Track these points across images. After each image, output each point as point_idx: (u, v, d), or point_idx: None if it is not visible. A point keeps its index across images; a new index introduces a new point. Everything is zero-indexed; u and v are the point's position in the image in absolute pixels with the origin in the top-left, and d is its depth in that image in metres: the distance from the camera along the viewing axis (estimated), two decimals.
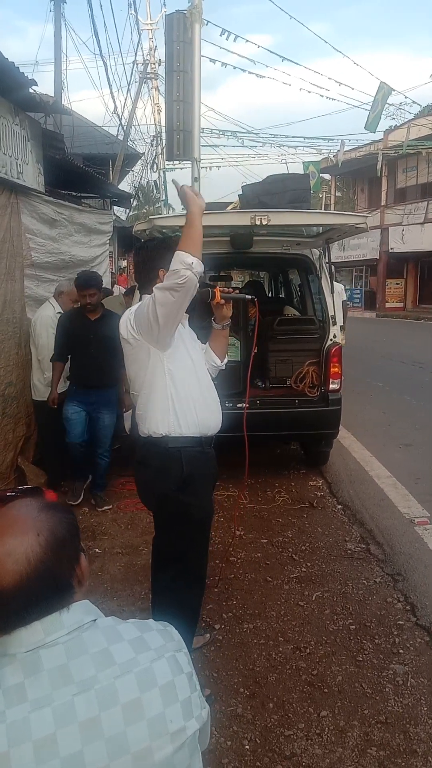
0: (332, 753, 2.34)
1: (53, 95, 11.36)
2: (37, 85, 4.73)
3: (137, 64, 18.73)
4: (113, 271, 12.38)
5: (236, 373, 5.15)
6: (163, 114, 14.85)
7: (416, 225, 26.53)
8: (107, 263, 8.01)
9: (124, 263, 19.99)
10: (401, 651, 2.98)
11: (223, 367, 2.80)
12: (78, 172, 7.11)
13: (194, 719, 1.00)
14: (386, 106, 16.71)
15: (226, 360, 2.81)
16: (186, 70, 9.39)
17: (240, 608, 3.37)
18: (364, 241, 28.74)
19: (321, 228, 5.18)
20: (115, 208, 12.77)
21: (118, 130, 15.95)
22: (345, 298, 10.32)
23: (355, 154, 26.12)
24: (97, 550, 4.09)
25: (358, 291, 31.72)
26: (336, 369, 5.19)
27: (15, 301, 4.86)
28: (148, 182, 27.80)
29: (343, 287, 10.82)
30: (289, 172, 17.77)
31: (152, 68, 20.60)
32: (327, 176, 32.30)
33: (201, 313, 2.77)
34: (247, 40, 12.11)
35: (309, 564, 3.89)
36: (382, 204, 29.19)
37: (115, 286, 8.18)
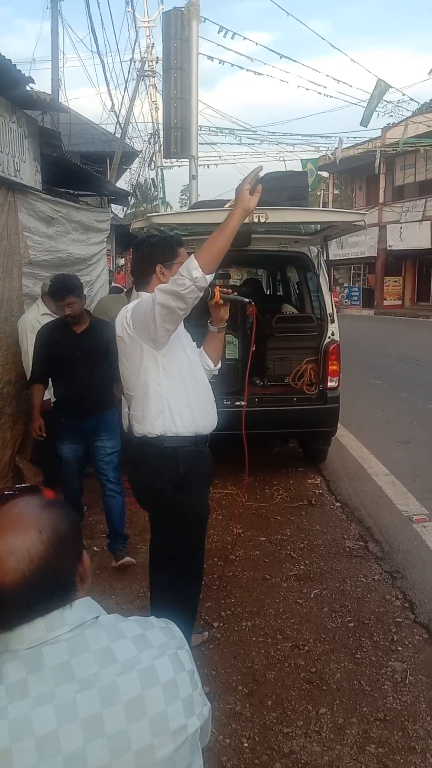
0: (331, 750, 2.34)
1: (50, 93, 11.30)
2: (34, 83, 4.72)
3: (135, 62, 18.72)
4: (111, 269, 12.37)
5: (234, 371, 5.15)
6: (160, 112, 14.85)
7: (414, 222, 26.55)
8: (105, 261, 8.00)
9: (122, 261, 19.96)
10: (400, 648, 2.98)
11: (217, 372, 2.75)
12: (75, 169, 7.10)
13: (196, 717, 1.00)
14: (384, 103, 16.67)
15: (219, 365, 2.75)
16: (183, 68, 9.40)
17: (239, 606, 3.37)
18: (362, 238, 28.74)
19: (319, 225, 5.18)
20: (112, 206, 12.76)
21: (115, 128, 15.94)
22: None
23: (353, 152, 26.11)
24: (95, 548, 4.09)
25: (356, 289, 31.74)
26: (334, 367, 5.20)
27: (13, 299, 4.85)
28: (145, 180, 27.76)
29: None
30: (287, 169, 17.76)
31: (150, 66, 20.53)
32: (325, 174, 32.30)
33: (198, 312, 2.75)
34: (244, 38, 12.13)
35: (307, 562, 3.89)
36: (380, 201, 29.20)
37: (113, 284, 8.18)
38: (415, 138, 22.93)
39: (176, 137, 9.73)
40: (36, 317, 4.61)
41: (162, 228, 4.66)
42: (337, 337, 5.27)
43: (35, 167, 5.17)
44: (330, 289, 5.45)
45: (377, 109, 16.33)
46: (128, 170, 20.22)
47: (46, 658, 0.95)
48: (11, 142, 4.60)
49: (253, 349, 3.46)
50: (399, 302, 29.63)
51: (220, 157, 24.37)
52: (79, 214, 6.65)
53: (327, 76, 31.41)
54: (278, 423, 5.24)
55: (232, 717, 2.53)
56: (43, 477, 4.92)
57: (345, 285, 32.95)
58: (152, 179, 25.32)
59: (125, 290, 6.65)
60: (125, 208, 20.13)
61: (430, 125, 22.39)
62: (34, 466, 5.02)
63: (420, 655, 2.93)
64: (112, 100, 36.55)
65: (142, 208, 31.45)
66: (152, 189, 28.53)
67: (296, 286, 7.26)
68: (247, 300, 2.83)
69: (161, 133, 15.12)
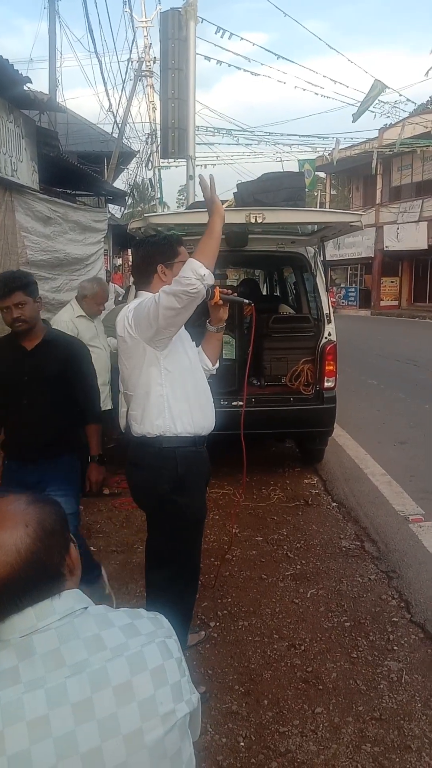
0: (327, 749, 2.35)
1: (48, 93, 11.31)
2: (31, 83, 4.72)
3: (132, 62, 18.72)
4: (108, 269, 12.36)
5: (231, 371, 5.16)
6: (158, 112, 14.85)
7: (411, 223, 26.58)
8: (102, 261, 8.01)
9: (119, 261, 19.95)
10: (395, 648, 2.99)
11: (215, 372, 2.76)
12: (73, 169, 7.10)
13: (184, 703, 1.03)
14: (381, 104, 16.70)
15: (217, 365, 2.77)
16: (181, 68, 9.41)
17: (235, 606, 3.38)
18: (359, 239, 28.78)
19: (316, 226, 5.19)
20: (109, 206, 12.76)
21: (113, 128, 15.92)
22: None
23: (350, 153, 26.13)
24: (92, 548, 4.08)
25: (353, 289, 31.78)
26: (331, 367, 5.21)
27: None
28: (143, 180, 27.76)
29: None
30: (285, 170, 17.79)
31: (147, 66, 20.55)
32: (322, 174, 32.32)
33: (197, 313, 2.76)
34: (242, 38, 12.04)
35: (304, 561, 3.90)
36: (377, 202, 29.23)
37: (110, 284, 8.17)
38: (411, 139, 22.97)
39: (173, 137, 9.73)
40: (71, 318, 4.51)
41: (159, 228, 4.66)
42: (333, 338, 5.28)
43: (32, 167, 5.17)
44: (327, 290, 5.46)
45: (375, 109, 16.36)
46: (125, 170, 20.21)
47: (37, 646, 0.98)
48: (8, 141, 4.60)
49: (251, 349, 3.46)
50: (396, 303, 29.67)
51: (217, 157, 24.38)
52: (77, 214, 6.66)
53: (324, 76, 31.31)
54: (275, 423, 5.25)
55: (228, 716, 2.53)
56: None
57: (342, 285, 32.98)
58: (149, 179, 25.35)
59: (124, 289, 6.62)
60: (122, 208, 20.11)
61: (427, 126, 22.42)
62: None
63: (416, 655, 2.94)
64: (109, 100, 36.70)
65: (140, 208, 31.40)
66: (149, 189, 28.51)
67: (293, 287, 7.26)
68: (247, 301, 2.85)
69: (158, 133, 15.11)
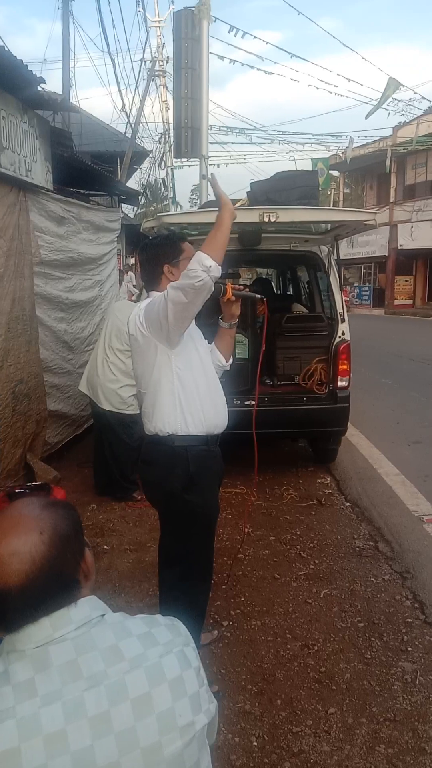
0: (340, 750, 2.34)
1: (61, 93, 11.36)
2: (45, 83, 4.73)
3: (145, 62, 18.70)
4: (121, 269, 12.39)
5: (245, 371, 5.15)
6: (171, 111, 14.85)
7: (425, 222, 26.41)
8: (115, 261, 8.02)
9: (132, 261, 20.01)
10: (410, 649, 2.97)
11: (228, 368, 2.77)
12: (86, 169, 7.11)
13: (203, 713, 1.01)
14: (395, 102, 16.63)
15: (231, 360, 2.77)
16: (194, 68, 9.41)
17: (248, 605, 3.37)
18: (373, 238, 28.63)
19: (329, 225, 5.16)
20: (123, 205, 12.78)
21: (126, 128, 15.94)
22: None
23: (363, 151, 26.04)
24: (105, 546, 4.10)
25: (366, 288, 31.63)
26: (344, 366, 5.18)
27: (25, 298, 4.88)
28: (156, 180, 27.78)
29: None
30: (298, 168, 17.72)
31: (160, 65, 20.57)
32: (335, 173, 32.20)
33: (209, 310, 2.75)
34: (255, 37, 12.02)
35: (317, 561, 3.88)
36: (391, 201, 29.07)
37: (123, 282, 8.19)
38: (426, 137, 22.82)
39: (186, 137, 9.74)
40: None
41: (172, 227, 4.66)
42: (347, 337, 5.26)
43: (46, 167, 5.19)
44: (340, 289, 5.43)
45: (389, 107, 16.30)
46: (139, 170, 20.24)
47: (53, 657, 0.95)
48: (23, 142, 4.62)
49: (263, 348, 3.46)
50: (410, 302, 29.49)
51: (230, 156, 24.33)
52: (90, 213, 6.67)
53: (338, 74, 31.47)
54: (288, 423, 5.24)
55: (241, 716, 2.53)
56: (54, 475, 4.95)
57: (355, 284, 32.84)
58: (162, 179, 25.35)
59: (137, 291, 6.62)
60: (136, 208, 20.18)
61: None
62: (45, 464, 5.05)
63: (430, 656, 2.92)
64: (122, 99, 36.62)
65: (153, 208, 31.46)
66: (162, 189, 28.56)
67: (306, 286, 7.24)
68: (260, 296, 2.84)
69: (172, 132, 15.13)
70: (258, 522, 4.49)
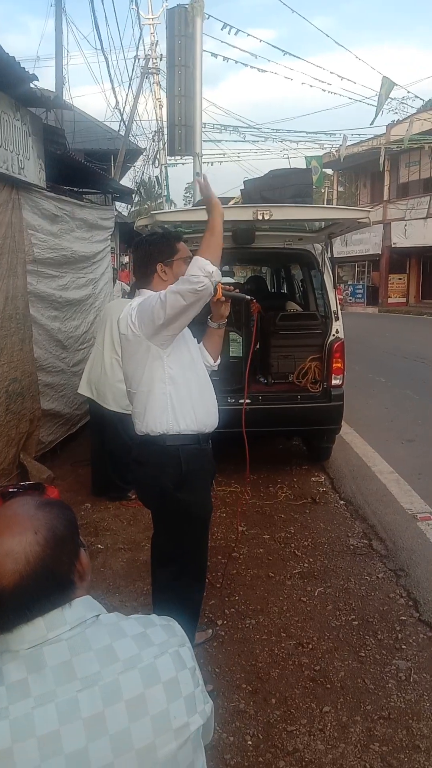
0: (335, 749, 2.34)
1: (54, 90, 11.31)
2: (38, 80, 4.71)
3: (138, 59, 18.63)
4: (115, 267, 12.35)
5: (239, 369, 5.15)
6: (164, 109, 14.82)
7: (419, 220, 26.46)
8: (109, 259, 8.00)
9: (126, 259, 19.96)
10: (404, 647, 2.98)
11: (216, 368, 2.75)
12: (79, 167, 7.08)
13: (198, 715, 1.00)
14: (389, 100, 16.60)
15: (219, 360, 2.76)
16: (187, 65, 9.39)
17: (242, 604, 3.37)
18: (367, 236, 28.67)
19: (323, 223, 5.17)
20: (116, 203, 12.74)
21: (119, 126, 15.89)
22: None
23: (357, 149, 26.03)
24: (99, 546, 4.09)
25: (360, 286, 31.68)
26: (338, 364, 5.19)
27: (18, 297, 4.85)
28: (149, 178, 27.75)
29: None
30: (291, 166, 17.70)
31: (154, 63, 20.50)
32: (329, 171, 32.22)
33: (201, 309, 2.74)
34: (248, 35, 11.96)
35: (311, 560, 3.89)
36: (385, 199, 29.11)
37: (117, 282, 8.16)
38: (419, 135, 22.85)
39: (180, 135, 9.73)
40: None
41: (166, 225, 4.65)
42: (341, 335, 5.26)
43: (39, 165, 5.17)
44: (334, 287, 5.44)
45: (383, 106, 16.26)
46: (132, 168, 20.19)
47: (47, 658, 0.95)
48: (15, 139, 4.60)
49: (257, 347, 3.45)
50: (404, 300, 29.56)
51: (224, 154, 24.26)
52: (84, 211, 6.65)
53: (331, 73, 31.37)
54: (282, 421, 5.24)
55: (235, 715, 2.53)
56: (48, 474, 4.93)
57: (349, 282, 32.88)
58: (156, 177, 25.33)
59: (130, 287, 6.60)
60: (129, 206, 20.10)
61: None
62: (38, 464, 5.03)
63: (424, 654, 2.92)
64: (116, 97, 36.62)
65: (147, 206, 31.38)
66: (156, 187, 28.51)
67: (300, 284, 7.25)
68: (249, 297, 2.82)
69: (165, 130, 15.08)
70: (252, 520, 4.49)
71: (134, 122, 15.92)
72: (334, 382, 5.19)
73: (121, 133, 14.98)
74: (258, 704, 2.59)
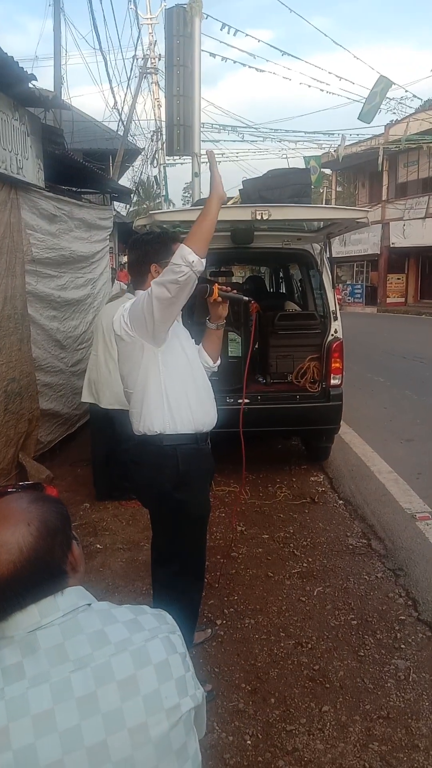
0: (334, 748, 2.34)
1: (53, 90, 11.28)
2: (36, 80, 4.69)
3: (137, 59, 18.59)
4: (114, 267, 12.33)
5: (238, 369, 5.14)
6: (163, 109, 14.80)
7: (417, 220, 26.48)
8: (108, 259, 7.99)
9: (125, 259, 19.94)
10: (403, 646, 2.98)
11: (216, 369, 2.75)
12: (78, 167, 7.07)
13: (189, 697, 1.03)
14: (387, 100, 16.59)
15: (219, 362, 2.76)
16: (186, 65, 9.37)
17: (241, 604, 3.37)
18: (365, 236, 28.68)
19: (322, 222, 5.17)
20: (115, 203, 12.73)
21: (118, 126, 15.87)
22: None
23: (356, 149, 26.06)
24: (98, 546, 4.09)
25: (359, 286, 31.69)
26: (337, 364, 5.19)
27: (16, 297, 4.85)
28: (148, 177, 27.70)
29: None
30: (290, 166, 17.71)
31: (152, 63, 20.49)
32: (328, 171, 32.20)
33: (199, 310, 2.74)
34: (247, 35, 11.95)
35: (310, 559, 3.89)
36: (383, 199, 29.12)
37: (116, 282, 8.17)
38: (418, 135, 22.88)
39: (179, 134, 9.70)
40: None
41: (165, 225, 4.65)
42: (340, 335, 5.27)
43: (38, 165, 5.16)
44: (333, 287, 5.44)
45: (381, 105, 16.24)
46: (131, 168, 20.19)
47: (41, 641, 0.99)
48: (14, 139, 4.60)
49: (256, 346, 3.45)
50: (402, 300, 29.57)
51: (222, 154, 24.29)
52: (82, 211, 6.65)
53: (329, 73, 31.41)
54: (281, 420, 5.24)
55: (235, 714, 2.53)
56: (47, 474, 4.93)
57: (348, 282, 32.89)
58: (155, 177, 25.30)
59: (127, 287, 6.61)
60: (128, 206, 20.11)
61: None
62: (37, 464, 5.03)
63: (423, 653, 2.93)
64: (114, 97, 36.58)
65: (145, 206, 31.38)
66: (155, 186, 28.49)
67: (299, 284, 7.25)
68: (247, 298, 2.81)
69: (164, 130, 15.08)
70: (251, 520, 4.49)
71: (133, 122, 15.91)
72: (333, 381, 5.19)
73: (119, 132, 14.97)
74: (257, 704, 2.59)
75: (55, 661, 0.96)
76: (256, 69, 14.03)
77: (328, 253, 5.49)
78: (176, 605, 2.42)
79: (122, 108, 16.42)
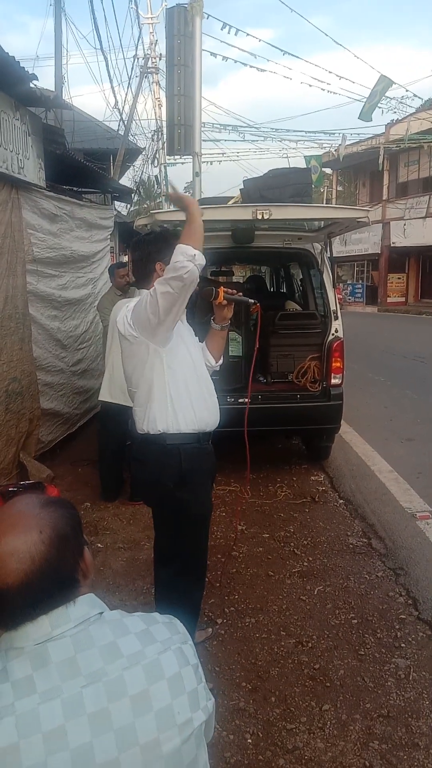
0: (334, 746, 2.35)
1: (54, 90, 11.30)
2: (37, 80, 4.70)
3: (138, 59, 18.59)
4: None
5: (238, 368, 5.15)
6: (164, 109, 14.81)
7: (418, 219, 26.47)
8: (108, 258, 8.00)
9: (126, 258, 19.95)
10: (403, 645, 2.98)
11: (218, 368, 2.76)
12: (79, 167, 7.08)
13: (201, 710, 1.01)
14: (388, 99, 16.60)
15: (221, 361, 2.77)
16: (187, 65, 9.37)
17: (242, 603, 3.38)
18: (366, 235, 28.67)
19: (323, 222, 5.17)
20: (116, 203, 12.73)
21: (118, 125, 15.87)
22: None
23: (356, 148, 26.04)
24: (99, 545, 4.10)
25: (359, 286, 31.67)
26: (338, 364, 5.19)
27: (17, 296, 4.86)
28: (149, 177, 27.74)
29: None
30: (291, 166, 17.71)
31: (153, 62, 20.48)
32: (328, 170, 32.19)
33: (203, 309, 2.75)
34: (248, 34, 11.94)
35: (311, 558, 3.89)
36: (384, 198, 29.11)
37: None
38: (418, 134, 22.86)
39: (179, 134, 9.71)
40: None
41: (165, 225, 4.65)
42: (340, 334, 5.27)
43: (39, 164, 5.17)
44: (333, 286, 5.44)
45: (381, 105, 16.26)
46: (132, 167, 20.18)
47: (52, 654, 0.95)
48: (15, 139, 4.60)
49: (257, 346, 3.45)
50: (403, 299, 29.56)
51: (223, 154, 24.22)
52: (83, 211, 6.65)
53: (330, 72, 31.36)
54: (282, 420, 5.24)
55: (235, 713, 2.53)
56: (48, 474, 4.93)
57: (348, 282, 32.87)
58: (155, 176, 25.32)
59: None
60: (129, 206, 20.11)
61: None
62: (38, 463, 5.03)
63: (423, 652, 2.93)
64: (115, 97, 36.57)
65: (146, 206, 31.37)
66: (156, 186, 28.49)
67: (300, 283, 7.25)
68: (252, 301, 2.82)
69: (164, 130, 15.07)
70: (252, 519, 4.49)
71: (133, 122, 15.91)
72: (334, 381, 5.20)
73: (120, 132, 14.97)
74: (258, 702, 2.60)
75: (66, 676, 0.93)
76: (257, 68, 14.06)
77: (328, 252, 5.49)
78: (177, 604, 2.44)
79: (123, 107, 16.42)
